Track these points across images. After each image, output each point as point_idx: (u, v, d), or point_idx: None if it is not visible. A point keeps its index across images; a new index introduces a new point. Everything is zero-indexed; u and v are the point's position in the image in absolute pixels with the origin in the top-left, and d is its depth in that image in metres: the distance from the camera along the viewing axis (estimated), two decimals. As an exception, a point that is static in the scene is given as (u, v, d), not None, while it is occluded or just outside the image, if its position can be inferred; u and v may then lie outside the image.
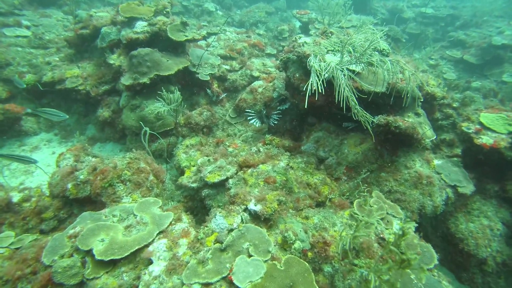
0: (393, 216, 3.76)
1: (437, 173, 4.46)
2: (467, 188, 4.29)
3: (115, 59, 5.99)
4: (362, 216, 3.46)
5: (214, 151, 5.25)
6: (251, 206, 3.44)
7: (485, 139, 4.28)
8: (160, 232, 3.20)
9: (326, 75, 3.81)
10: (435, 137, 4.65)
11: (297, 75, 5.20)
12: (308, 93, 5.25)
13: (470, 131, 4.40)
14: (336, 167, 4.68)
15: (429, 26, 12.74)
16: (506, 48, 9.61)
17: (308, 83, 3.73)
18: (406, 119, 4.53)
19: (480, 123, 4.56)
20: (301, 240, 3.27)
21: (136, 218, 3.33)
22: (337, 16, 9.78)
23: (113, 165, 4.04)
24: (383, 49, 4.90)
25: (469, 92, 7.41)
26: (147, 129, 4.44)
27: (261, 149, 4.72)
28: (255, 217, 3.44)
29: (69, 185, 4.07)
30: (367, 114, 3.92)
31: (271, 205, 3.47)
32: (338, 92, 3.95)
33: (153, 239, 3.10)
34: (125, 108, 5.90)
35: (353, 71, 4.31)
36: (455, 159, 5.02)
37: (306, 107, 5.33)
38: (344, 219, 3.68)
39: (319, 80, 3.77)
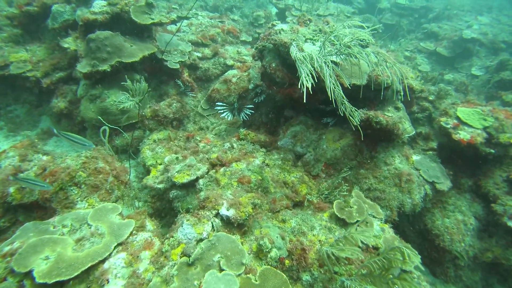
0: (373, 216, 3.61)
1: (416, 169, 4.37)
2: (445, 184, 4.23)
3: (70, 43, 5.30)
4: (348, 230, 3.25)
5: (184, 147, 4.84)
6: (223, 211, 3.12)
7: (463, 135, 4.22)
8: (118, 244, 2.80)
9: (315, 65, 3.48)
10: (414, 132, 4.54)
11: (274, 65, 4.86)
12: (284, 84, 4.96)
13: (448, 126, 4.32)
14: (314, 164, 4.46)
15: (404, 17, 12.78)
16: (474, 42, 9.82)
17: (302, 79, 3.39)
18: (386, 113, 4.37)
19: (457, 118, 4.51)
20: (277, 247, 3.01)
21: (90, 228, 2.89)
22: (315, 4, 9.47)
23: (66, 165, 3.53)
24: (363, 39, 4.66)
25: (443, 85, 7.46)
26: (107, 128, 3.93)
27: (235, 145, 4.37)
28: (228, 223, 3.12)
29: (11, 189, 3.52)
30: (355, 109, 3.67)
31: (245, 209, 3.17)
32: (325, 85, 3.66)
33: (110, 253, 2.70)
34: (84, 98, 5.28)
35: (334, 62, 4.04)
36: (430, 153, 4.98)
37: (284, 100, 5.06)
38: (323, 222, 3.46)
39: (309, 72, 3.44)
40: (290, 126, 4.95)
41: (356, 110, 3.69)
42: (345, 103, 3.58)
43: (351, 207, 3.55)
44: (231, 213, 3.09)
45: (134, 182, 5.03)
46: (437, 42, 10.47)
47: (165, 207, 4.26)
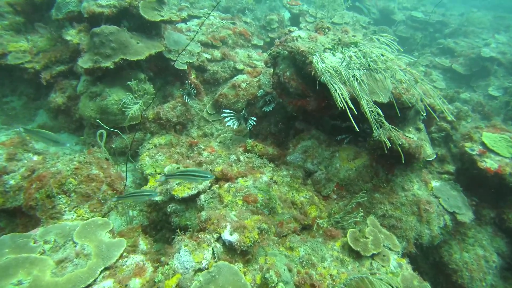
0: (390, 249, 3.26)
1: (435, 197, 4.03)
2: (466, 215, 3.89)
3: (73, 35, 5.00)
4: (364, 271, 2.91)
5: (186, 155, 4.51)
6: (226, 235, 2.78)
7: (490, 163, 3.88)
8: (106, 269, 2.46)
9: (343, 80, 3.15)
10: (435, 156, 4.21)
11: (288, 74, 4.54)
12: (298, 95, 4.64)
13: (474, 152, 3.99)
14: (325, 184, 4.12)
15: (418, 30, 12.48)
16: (493, 61, 9.49)
17: (335, 94, 3.05)
18: (407, 134, 4.04)
19: (483, 144, 4.17)
20: (284, 281, 2.66)
21: (75, 247, 2.56)
22: (330, 11, 9.18)
23: (56, 170, 3.20)
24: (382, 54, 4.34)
25: (459, 103, 7.12)
26: (104, 131, 3.60)
27: (242, 158, 4.04)
28: (230, 249, 2.78)
29: (-6, 193, 3.20)
30: (396, 129, 3.32)
31: (251, 234, 2.83)
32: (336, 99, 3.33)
33: (95, 279, 2.36)
34: (83, 95, 4.97)
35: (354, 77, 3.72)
36: (446, 176, 4.64)
37: (297, 112, 4.74)
38: (334, 252, 3.12)
39: (341, 86, 3.11)
40: (301, 140, 4.62)
41: (397, 131, 3.33)
42: (383, 123, 3.21)
43: (366, 238, 3.20)
44: (234, 238, 2.76)
45: (130, 187, 4.71)
46: (452, 59, 10.15)
47: (161, 220, 3.93)
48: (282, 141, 5.35)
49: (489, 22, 13.32)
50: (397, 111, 3.45)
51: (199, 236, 2.76)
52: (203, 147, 4.54)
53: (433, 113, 3.79)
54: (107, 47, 4.63)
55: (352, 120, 3.03)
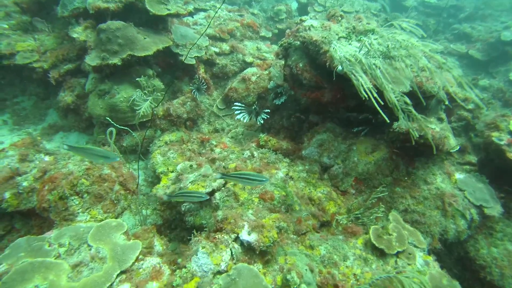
0: (415, 246, 3.10)
1: (460, 190, 3.83)
2: (495, 209, 3.69)
3: (79, 33, 4.91)
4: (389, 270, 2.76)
5: (198, 151, 4.41)
6: (244, 235, 2.67)
7: (519, 153, 3.66)
8: (122, 272, 2.39)
9: (365, 68, 2.97)
10: (458, 148, 4.00)
11: (301, 65, 4.36)
12: (312, 87, 4.46)
13: (501, 142, 3.76)
14: (343, 178, 3.97)
15: (431, 16, 12.03)
16: (513, 45, 9.05)
17: (358, 84, 2.87)
18: (429, 125, 3.83)
19: (510, 133, 3.93)
20: (307, 282, 2.55)
21: (90, 250, 2.49)
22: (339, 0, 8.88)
23: (67, 171, 3.13)
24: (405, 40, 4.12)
25: (477, 91, 6.80)
26: (113, 129, 3.51)
27: (256, 154, 3.91)
28: (249, 250, 2.67)
29: (7, 194, 3.16)
30: (426, 119, 3.13)
31: (269, 234, 2.71)
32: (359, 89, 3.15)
33: (112, 283, 2.29)
34: (92, 93, 4.89)
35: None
36: (468, 167, 4.42)
37: (311, 105, 4.57)
38: (357, 250, 2.98)
39: (363, 75, 2.93)
40: (316, 133, 4.45)
41: (426, 119, 3.14)
42: (412, 113, 3.02)
43: (389, 235, 3.05)
44: (253, 238, 2.65)
45: (142, 186, 4.64)
46: (469, 45, 9.73)
47: (175, 218, 3.85)
48: (296, 135, 5.20)
49: (509, 4, 12.70)
50: (421, 100, 3.24)
51: (216, 236, 2.66)
52: (215, 143, 4.43)
53: (459, 101, 3.57)
54: (114, 43, 4.52)
55: (380, 110, 2.85)
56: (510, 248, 3.71)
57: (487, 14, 11.39)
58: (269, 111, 4.80)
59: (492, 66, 9.02)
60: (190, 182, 3.40)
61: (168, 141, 4.67)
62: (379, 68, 2.95)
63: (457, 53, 9.61)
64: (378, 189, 3.62)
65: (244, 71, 6.14)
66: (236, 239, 2.70)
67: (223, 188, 3.41)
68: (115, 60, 4.49)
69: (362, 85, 2.82)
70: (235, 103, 5.22)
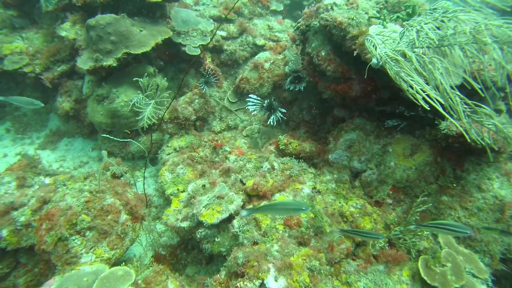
0: (474, 275, 2.63)
1: (521, 196, 3.24)
2: None
3: (68, 30, 4.34)
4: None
5: (211, 159, 3.95)
6: (270, 282, 2.26)
7: None
8: (132, 338, 2.06)
9: (415, 66, 2.32)
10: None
11: (323, 53, 3.69)
12: (337, 78, 3.78)
13: None
14: (378, 186, 3.44)
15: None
16: None
17: (415, 92, 2.24)
18: (486, 122, 3.17)
19: None
20: (348, 338, 2.15)
21: (95, 310, 2.16)
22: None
23: (65, 205, 2.77)
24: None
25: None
26: (105, 151, 3.07)
27: (276, 165, 3.41)
28: (277, 298, 2.28)
29: (4, 232, 2.86)
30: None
31: (300, 277, 2.29)
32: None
33: None
34: (90, 98, 4.43)
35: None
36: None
37: (336, 98, 3.94)
38: (403, 286, 2.54)
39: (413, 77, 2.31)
40: (343, 131, 3.87)
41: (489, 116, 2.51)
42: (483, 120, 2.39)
43: (442, 265, 2.57)
44: (281, 285, 2.24)
45: (154, 196, 4.30)
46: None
47: (191, 238, 3.51)
48: (318, 129, 4.63)
49: None
50: (484, 92, 2.57)
51: (238, 285, 2.27)
52: (229, 150, 3.95)
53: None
54: (107, 42, 3.96)
55: (441, 109, 2.24)
56: None
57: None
58: (285, 111, 4.23)
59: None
60: (203, 207, 2.98)
61: (177, 147, 4.22)
62: (437, 67, 2.28)
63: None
64: (418, 200, 3.09)
65: (256, 56, 5.46)
66: (261, 286, 2.31)
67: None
68: (110, 61, 3.95)
69: (418, 92, 2.19)
70: (249, 96, 4.64)
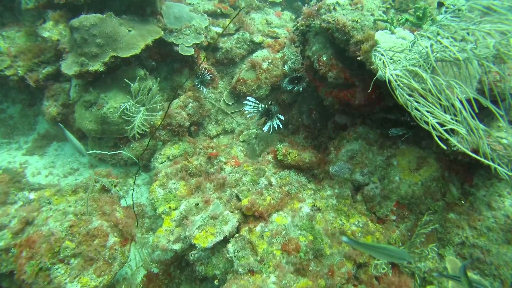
0: (482, 305, 2.47)
1: (534, 214, 3.06)
2: None
3: (50, 30, 4.05)
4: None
5: (206, 171, 3.75)
6: (267, 320, 2.11)
7: None
8: None
9: (428, 87, 2.08)
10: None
11: (324, 58, 3.43)
12: (339, 85, 3.51)
13: None
14: (381, 201, 3.26)
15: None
16: None
17: (430, 123, 2.02)
18: (497, 133, 2.95)
19: None
20: None
21: None
22: None
23: (47, 230, 2.59)
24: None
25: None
26: (93, 176, 2.87)
27: (273, 181, 3.21)
28: (274, 336, 2.14)
29: (-16, 258, 2.68)
30: None
31: (299, 314, 2.14)
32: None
33: None
34: (77, 104, 4.19)
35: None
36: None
37: (337, 106, 3.71)
38: (408, 317, 2.40)
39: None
40: (345, 141, 3.66)
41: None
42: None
43: (450, 295, 2.42)
44: (278, 323, 2.09)
45: (148, 207, 4.14)
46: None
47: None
48: (318, 134, 4.43)
49: None
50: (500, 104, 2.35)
51: (232, 324, 2.11)
52: (224, 160, 3.74)
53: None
54: (92, 45, 3.68)
55: (461, 146, 2.03)
56: None
57: None
58: (282, 118, 3.99)
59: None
60: (196, 229, 2.80)
61: (170, 155, 4.02)
62: (456, 93, 2.04)
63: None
64: (423, 219, 2.92)
65: (253, 54, 5.18)
66: (257, 323, 2.16)
67: (237, 235, 2.80)
68: (96, 66, 3.68)
69: (435, 127, 1.96)
70: (246, 98, 4.39)
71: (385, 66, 2.19)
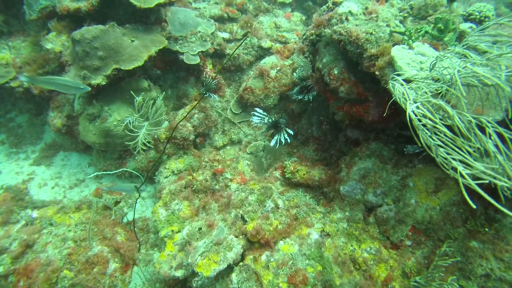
0: None
1: None
2: None
3: (53, 41, 3.97)
4: None
5: (211, 188, 3.62)
6: None
7: None
8: None
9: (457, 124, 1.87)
10: None
11: (336, 71, 3.22)
12: (352, 100, 3.27)
13: None
14: (395, 225, 3.06)
15: None
16: None
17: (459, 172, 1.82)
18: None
19: None
20: None
21: None
22: None
23: (45, 259, 2.52)
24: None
25: None
26: (96, 201, 2.77)
27: (280, 204, 3.05)
28: None
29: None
30: None
31: None
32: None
33: None
34: (81, 116, 4.11)
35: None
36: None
37: (348, 121, 3.50)
38: None
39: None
40: (356, 157, 3.45)
41: None
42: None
43: None
44: None
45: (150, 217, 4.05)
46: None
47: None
48: (328, 146, 4.23)
49: None
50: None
51: None
52: (230, 177, 3.59)
53: None
54: (94, 58, 3.57)
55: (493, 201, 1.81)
56: None
57: None
58: (292, 132, 3.79)
59: None
60: (199, 255, 2.68)
61: (175, 169, 3.91)
62: (490, 134, 1.82)
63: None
64: (442, 249, 2.72)
65: (261, 61, 4.98)
66: None
67: (241, 263, 2.67)
68: (99, 80, 3.58)
69: (465, 178, 1.74)
70: (254, 109, 4.22)
71: (406, 100, 1.96)
